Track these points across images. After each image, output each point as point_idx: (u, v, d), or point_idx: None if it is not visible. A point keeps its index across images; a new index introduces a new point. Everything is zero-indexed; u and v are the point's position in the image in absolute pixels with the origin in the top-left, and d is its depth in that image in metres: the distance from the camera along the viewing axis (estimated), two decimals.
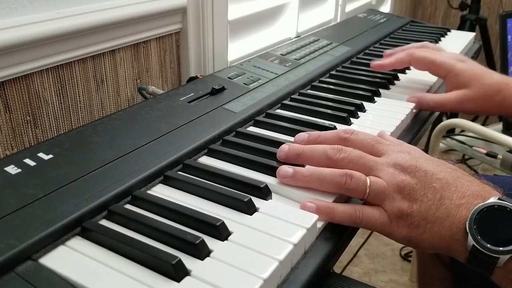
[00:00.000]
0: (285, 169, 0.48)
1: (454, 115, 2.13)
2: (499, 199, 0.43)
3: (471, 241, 0.42)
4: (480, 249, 0.41)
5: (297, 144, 0.52)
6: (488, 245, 0.41)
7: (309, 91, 0.76)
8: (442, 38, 1.12)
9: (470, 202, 0.43)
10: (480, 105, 0.71)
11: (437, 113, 0.80)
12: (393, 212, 0.45)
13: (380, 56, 0.92)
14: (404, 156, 0.48)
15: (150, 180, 0.47)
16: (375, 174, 0.47)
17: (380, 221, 0.45)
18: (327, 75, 0.82)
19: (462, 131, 1.44)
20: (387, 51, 0.82)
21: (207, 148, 0.54)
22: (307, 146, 0.51)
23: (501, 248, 0.41)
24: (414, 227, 0.44)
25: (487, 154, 1.34)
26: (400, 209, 0.45)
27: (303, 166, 0.50)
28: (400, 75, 0.84)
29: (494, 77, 0.71)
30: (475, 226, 0.42)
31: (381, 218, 0.45)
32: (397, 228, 0.45)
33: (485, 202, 0.43)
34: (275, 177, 0.49)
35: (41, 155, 0.47)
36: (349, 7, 1.66)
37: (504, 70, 1.64)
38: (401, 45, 0.97)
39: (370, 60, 0.90)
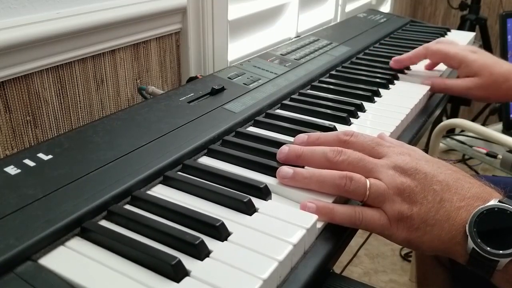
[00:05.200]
0: (285, 170, 0.48)
1: (454, 115, 2.13)
2: (499, 201, 0.42)
3: (471, 244, 0.42)
4: (480, 252, 0.41)
5: (297, 145, 0.52)
6: (488, 248, 0.41)
7: (309, 91, 0.76)
8: (442, 38, 1.12)
9: (470, 204, 0.43)
10: (488, 93, 0.75)
11: (437, 113, 0.80)
12: (393, 214, 0.45)
13: (380, 56, 0.92)
14: (404, 158, 0.48)
15: (149, 180, 0.47)
16: (375, 176, 0.47)
17: (379, 223, 0.45)
18: (327, 75, 0.82)
19: (462, 131, 1.44)
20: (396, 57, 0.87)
21: (207, 148, 0.54)
22: (307, 147, 0.51)
23: (501, 252, 0.41)
24: (414, 230, 0.44)
25: (487, 154, 1.34)
26: (400, 212, 0.44)
27: (303, 167, 0.50)
28: (400, 75, 0.84)
29: (503, 66, 0.76)
30: (475, 229, 0.42)
31: (381, 220, 0.45)
32: (396, 230, 0.45)
33: (485, 205, 0.42)
34: (275, 177, 0.49)
35: (40, 155, 0.47)
36: (349, 7, 1.66)
37: None
38: (401, 45, 0.98)
39: (370, 60, 0.90)
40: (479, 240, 0.41)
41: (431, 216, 0.44)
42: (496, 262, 0.41)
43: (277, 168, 0.49)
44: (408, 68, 0.89)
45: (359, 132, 0.52)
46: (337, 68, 0.86)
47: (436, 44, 0.83)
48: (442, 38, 0.90)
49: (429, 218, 0.44)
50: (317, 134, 0.54)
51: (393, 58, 0.86)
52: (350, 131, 0.52)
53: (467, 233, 0.42)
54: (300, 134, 0.54)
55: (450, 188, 0.45)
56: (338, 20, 1.57)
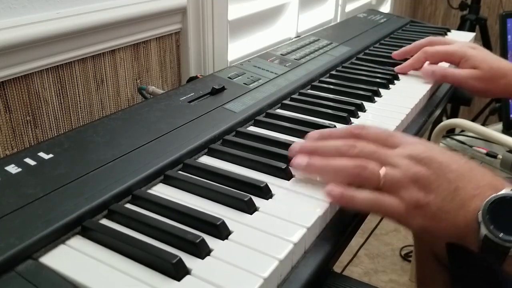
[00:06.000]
0: (300, 158, 0.49)
1: (454, 115, 2.13)
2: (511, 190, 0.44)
3: (483, 230, 0.42)
4: (493, 238, 0.42)
5: (308, 143, 0.52)
6: (501, 235, 0.42)
7: (309, 91, 0.76)
8: (439, 38, 1.12)
9: (483, 193, 0.44)
10: (487, 86, 0.77)
11: (437, 113, 0.80)
12: (410, 202, 0.45)
13: (380, 56, 0.93)
14: (419, 147, 0.48)
15: (150, 179, 0.47)
16: (390, 166, 0.47)
17: (397, 211, 0.46)
18: (327, 75, 0.82)
19: (462, 131, 1.44)
20: (395, 52, 0.90)
21: (207, 148, 0.54)
22: (320, 143, 0.51)
23: None
24: (430, 217, 0.45)
25: (487, 154, 1.34)
26: (416, 199, 0.45)
27: None
28: (400, 75, 0.85)
29: (502, 62, 0.78)
30: (488, 216, 0.42)
31: (399, 207, 0.46)
32: (413, 218, 0.46)
33: (498, 193, 0.43)
34: (275, 176, 0.49)
35: (41, 154, 0.47)
36: (349, 7, 1.66)
37: None
38: (401, 45, 0.98)
39: (370, 60, 0.90)
40: (492, 227, 0.42)
41: (447, 204, 0.44)
42: (508, 248, 0.42)
43: (277, 167, 0.49)
44: None
45: (370, 125, 0.52)
46: (337, 68, 0.86)
47: (433, 47, 0.85)
48: (434, 39, 0.90)
49: (445, 206, 0.44)
50: (329, 130, 0.54)
51: (397, 68, 0.86)
52: (361, 125, 0.52)
53: (480, 220, 0.43)
54: (312, 132, 0.54)
55: (465, 177, 0.45)
56: (338, 20, 1.57)
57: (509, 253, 0.42)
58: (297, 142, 0.52)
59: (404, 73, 0.86)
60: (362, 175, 0.46)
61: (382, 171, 0.47)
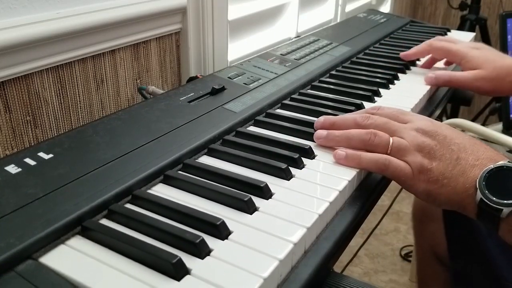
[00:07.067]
0: (320, 131, 0.56)
1: (454, 115, 2.13)
2: (508, 162, 0.47)
3: (479, 195, 0.46)
4: (486, 201, 0.45)
5: (330, 116, 0.59)
6: (494, 198, 0.45)
7: (309, 91, 0.76)
8: (443, 37, 1.12)
9: (483, 164, 0.48)
10: (493, 86, 0.78)
11: (437, 113, 0.80)
12: (416, 166, 0.49)
13: (380, 56, 0.93)
14: (427, 123, 0.53)
15: (150, 179, 0.47)
16: (399, 136, 0.52)
17: (404, 172, 0.50)
18: (327, 75, 0.82)
19: (462, 131, 1.44)
20: (404, 53, 0.92)
21: (207, 148, 0.54)
22: (339, 116, 0.58)
23: (505, 201, 0.45)
24: (433, 182, 0.49)
25: None
26: (421, 164, 0.49)
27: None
28: (400, 75, 0.85)
29: (506, 60, 0.79)
30: (484, 183, 0.46)
31: (406, 169, 0.50)
32: (418, 181, 0.49)
33: (496, 164, 0.47)
34: (275, 176, 0.49)
35: (41, 154, 0.47)
36: (349, 7, 1.66)
37: None
38: (401, 45, 0.98)
39: (370, 60, 0.90)
40: (486, 191, 0.46)
41: (449, 170, 0.48)
42: (500, 211, 0.45)
43: (277, 167, 0.50)
44: (408, 68, 0.89)
45: (384, 106, 0.58)
46: (337, 68, 0.86)
47: (439, 41, 0.86)
48: (443, 37, 0.92)
49: (447, 172, 0.48)
50: (345, 114, 0.60)
51: (400, 54, 0.90)
52: (376, 106, 0.58)
53: (477, 186, 0.46)
54: (329, 116, 0.59)
55: (467, 149, 0.49)
56: (338, 20, 1.57)
57: (501, 216, 0.45)
58: (321, 116, 0.58)
59: (408, 60, 0.89)
60: (372, 141, 0.52)
61: (391, 139, 0.51)
